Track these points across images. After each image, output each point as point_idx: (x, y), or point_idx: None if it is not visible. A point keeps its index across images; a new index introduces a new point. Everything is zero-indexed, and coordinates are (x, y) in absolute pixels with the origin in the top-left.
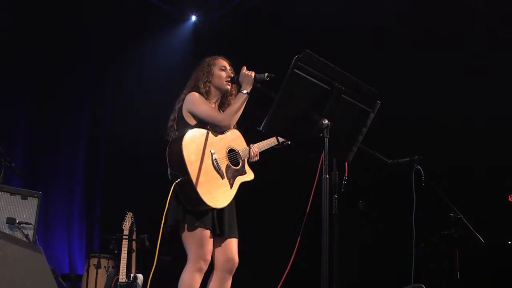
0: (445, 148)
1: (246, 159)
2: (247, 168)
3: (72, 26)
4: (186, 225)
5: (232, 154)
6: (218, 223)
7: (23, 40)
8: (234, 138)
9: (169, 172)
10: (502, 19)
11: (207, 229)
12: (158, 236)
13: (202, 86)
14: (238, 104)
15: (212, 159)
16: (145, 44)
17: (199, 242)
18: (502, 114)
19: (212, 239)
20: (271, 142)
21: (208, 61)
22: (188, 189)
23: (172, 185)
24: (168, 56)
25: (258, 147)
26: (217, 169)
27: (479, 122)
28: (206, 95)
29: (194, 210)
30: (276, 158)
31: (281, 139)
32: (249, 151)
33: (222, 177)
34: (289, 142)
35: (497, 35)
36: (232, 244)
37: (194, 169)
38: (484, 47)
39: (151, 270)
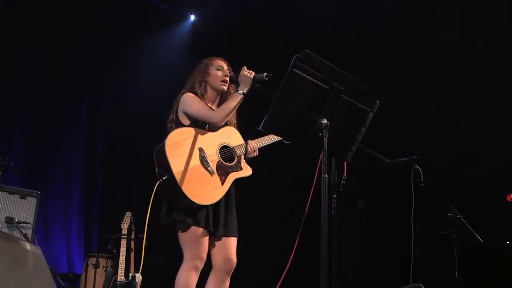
0: (444, 148)
1: (242, 155)
2: (243, 164)
3: (71, 25)
4: (179, 224)
5: (226, 151)
6: (213, 221)
7: (22, 40)
8: (229, 135)
9: (156, 171)
10: (502, 19)
11: (200, 226)
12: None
13: (197, 85)
14: (232, 103)
15: (200, 156)
16: (144, 43)
17: (193, 241)
18: (502, 114)
19: (207, 237)
20: (272, 138)
21: (205, 61)
22: (173, 187)
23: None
24: (167, 55)
25: (257, 143)
26: (206, 166)
27: (479, 121)
28: (202, 95)
29: (186, 208)
30: (276, 157)
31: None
32: (247, 147)
33: (212, 174)
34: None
35: (497, 35)
36: (231, 243)
37: (178, 167)
38: (484, 47)
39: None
